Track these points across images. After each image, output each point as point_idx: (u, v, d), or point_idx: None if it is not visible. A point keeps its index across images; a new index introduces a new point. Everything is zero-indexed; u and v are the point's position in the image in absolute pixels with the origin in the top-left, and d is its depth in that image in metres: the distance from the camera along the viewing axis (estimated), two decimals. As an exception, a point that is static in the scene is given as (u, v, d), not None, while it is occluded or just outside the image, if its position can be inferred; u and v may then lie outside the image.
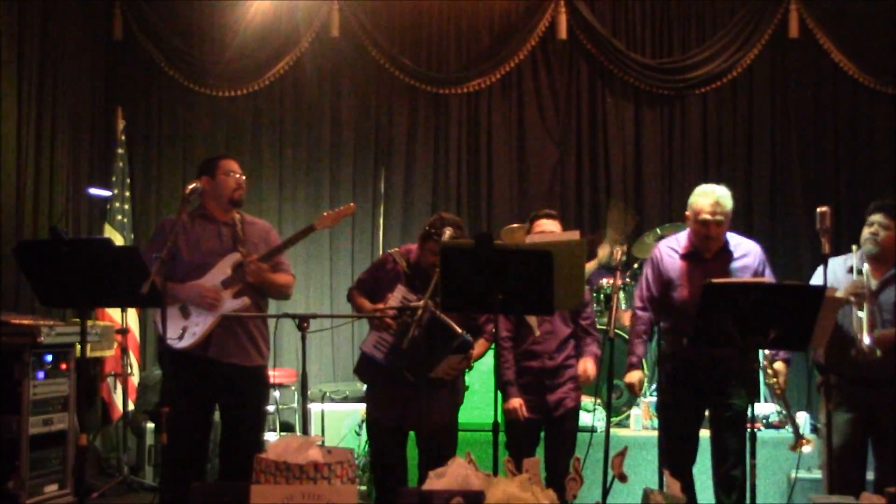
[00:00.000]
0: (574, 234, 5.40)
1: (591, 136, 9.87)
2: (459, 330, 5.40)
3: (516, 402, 5.84)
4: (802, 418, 7.09)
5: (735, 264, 5.85)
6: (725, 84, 9.67)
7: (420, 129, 9.94)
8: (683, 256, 5.92)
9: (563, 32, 9.68)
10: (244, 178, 5.99)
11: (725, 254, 5.88)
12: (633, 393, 6.08)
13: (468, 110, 9.93)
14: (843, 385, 5.80)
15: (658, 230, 8.52)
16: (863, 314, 5.64)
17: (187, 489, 4.14)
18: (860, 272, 5.77)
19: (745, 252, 5.92)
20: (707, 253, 5.87)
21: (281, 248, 5.91)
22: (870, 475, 6.13)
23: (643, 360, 6.03)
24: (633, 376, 5.93)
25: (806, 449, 5.72)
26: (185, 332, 5.65)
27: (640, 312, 6.05)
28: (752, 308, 4.78)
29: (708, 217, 5.77)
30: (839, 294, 5.60)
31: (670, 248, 6.02)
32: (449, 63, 9.92)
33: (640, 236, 8.81)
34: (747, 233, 9.21)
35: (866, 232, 5.82)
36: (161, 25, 9.66)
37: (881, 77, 9.42)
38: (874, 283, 5.74)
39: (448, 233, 5.55)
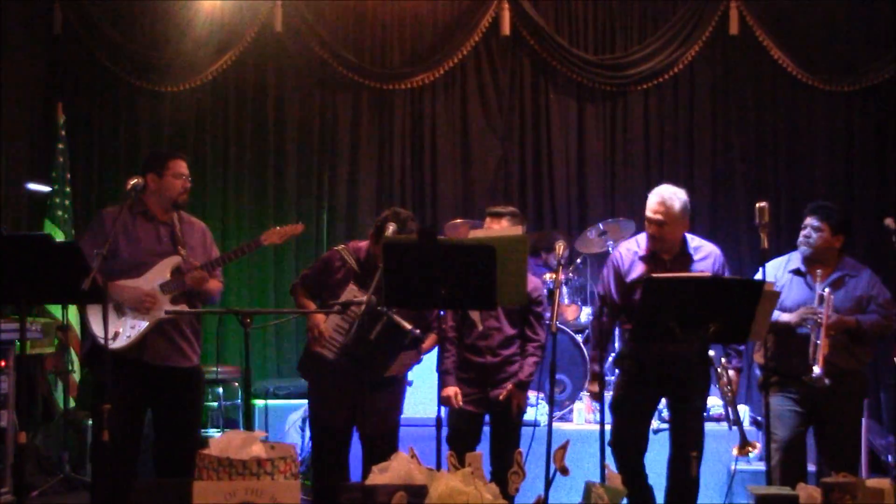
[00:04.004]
0: (517, 230, 5.43)
1: (535, 132, 9.91)
2: (409, 326, 5.42)
3: (451, 391, 5.88)
4: (743, 411, 7.18)
5: (694, 266, 5.89)
6: (667, 80, 9.75)
7: (364, 125, 9.90)
8: (643, 258, 5.95)
9: (506, 28, 9.69)
10: (190, 182, 5.95)
11: (684, 256, 5.92)
12: (596, 400, 6.09)
13: (412, 106, 9.92)
14: (786, 381, 5.91)
15: (601, 225, 8.60)
16: (819, 342, 5.75)
17: (121, 487, 4.12)
18: (821, 298, 5.88)
19: (705, 255, 5.97)
20: (665, 255, 5.91)
21: (224, 259, 5.88)
22: (811, 467, 6.28)
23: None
24: (597, 386, 5.84)
25: (753, 454, 5.83)
26: (120, 333, 5.58)
27: (604, 320, 6.08)
28: (692, 302, 4.84)
29: (650, 215, 5.84)
30: (793, 319, 5.74)
31: (629, 250, 6.04)
32: (392, 59, 9.90)
33: (582, 232, 8.89)
34: (688, 228, 9.36)
35: (801, 235, 5.97)
36: (101, 20, 9.52)
37: (819, 74, 9.56)
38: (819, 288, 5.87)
39: (391, 228, 5.56)
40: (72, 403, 8.39)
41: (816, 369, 5.67)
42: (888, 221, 5.78)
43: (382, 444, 5.64)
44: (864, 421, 7.34)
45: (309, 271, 6.05)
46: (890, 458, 7.72)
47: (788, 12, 9.63)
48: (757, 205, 5.68)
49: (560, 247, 5.82)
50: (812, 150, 9.72)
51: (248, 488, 3.75)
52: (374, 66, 9.82)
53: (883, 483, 4.34)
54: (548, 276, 8.31)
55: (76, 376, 8.62)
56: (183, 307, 5.72)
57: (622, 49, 9.82)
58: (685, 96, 9.86)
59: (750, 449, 5.79)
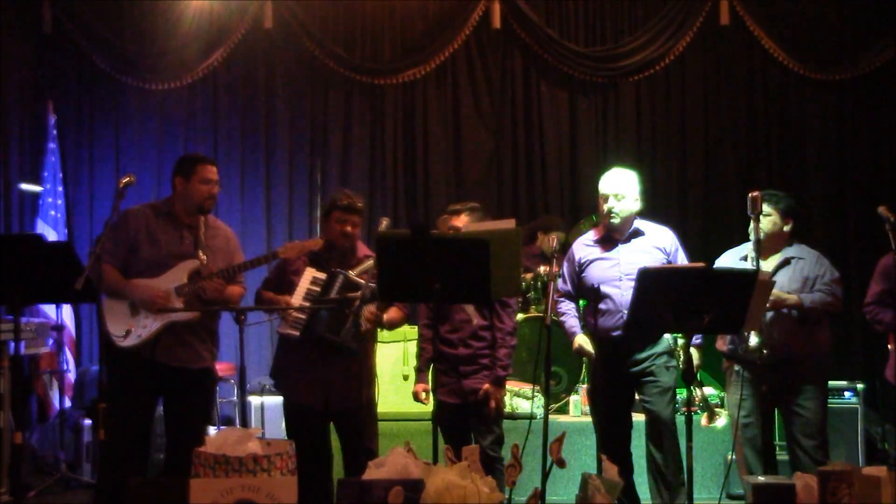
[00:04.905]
0: (510, 223, 5.43)
1: (526, 125, 9.92)
2: (362, 281, 5.46)
3: (419, 387, 6.10)
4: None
5: (645, 244, 6.00)
6: (658, 71, 9.76)
7: (355, 120, 9.89)
8: (597, 241, 6.12)
9: (496, 22, 9.69)
10: (218, 188, 5.93)
11: (636, 235, 6.05)
12: (587, 355, 6.18)
13: (403, 100, 9.92)
14: (746, 369, 5.95)
15: (594, 217, 8.58)
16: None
17: (124, 486, 4.11)
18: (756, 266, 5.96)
19: (657, 235, 6.08)
20: (618, 234, 6.01)
21: (241, 268, 5.86)
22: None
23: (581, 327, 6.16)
24: (578, 339, 6.07)
25: (720, 422, 5.89)
26: (131, 331, 5.57)
27: (559, 299, 6.22)
28: (686, 293, 4.85)
29: (602, 191, 6.05)
30: None
31: (584, 239, 6.23)
32: (383, 53, 9.88)
33: (575, 224, 8.89)
34: (681, 218, 9.38)
35: (751, 222, 6.03)
36: (91, 17, 9.50)
37: (810, 63, 9.57)
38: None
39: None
40: (67, 403, 8.38)
41: (752, 339, 5.73)
42: (881, 209, 5.78)
43: (355, 420, 5.72)
44: (860, 410, 7.44)
45: (269, 275, 6.15)
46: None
47: (779, 1, 9.63)
48: (749, 194, 5.69)
49: (553, 239, 5.85)
50: (804, 139, 9.73)
51: (245, 485, 3.74)
52: (365, 61, 9.81)
53: (880, 471, 4.34)
54: (542, 269, 8.31)
55: (71, 375, 8.62)
56: (195, 315, 5.70)
57: (613, 41, 9.81)
58: (676, 87, 9.87)
59: (717, 418, 5.86)
